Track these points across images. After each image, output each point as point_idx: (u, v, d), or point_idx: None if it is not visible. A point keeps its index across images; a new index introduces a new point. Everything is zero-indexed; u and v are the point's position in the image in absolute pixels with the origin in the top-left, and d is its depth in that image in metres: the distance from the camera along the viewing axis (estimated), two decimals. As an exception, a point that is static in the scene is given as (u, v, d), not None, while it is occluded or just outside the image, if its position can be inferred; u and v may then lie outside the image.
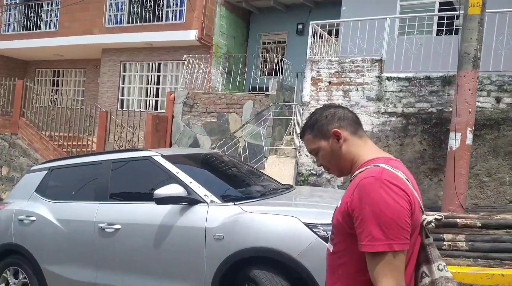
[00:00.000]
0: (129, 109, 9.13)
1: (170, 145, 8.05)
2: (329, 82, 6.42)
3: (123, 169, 3.63)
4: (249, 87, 9.83)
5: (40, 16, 11.47)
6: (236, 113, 7.62)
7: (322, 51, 7.17)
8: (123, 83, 10.72)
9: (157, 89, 10.43)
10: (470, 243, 4.25)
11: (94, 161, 3.77)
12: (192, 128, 8.00)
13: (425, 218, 1.18)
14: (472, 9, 4.61)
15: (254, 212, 2.94)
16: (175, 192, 3.03)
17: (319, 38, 6.95)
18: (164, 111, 9.87)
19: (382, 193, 1.07)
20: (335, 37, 7.93)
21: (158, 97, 10.40)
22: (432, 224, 1.17)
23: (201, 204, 3.06)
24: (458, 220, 4.39)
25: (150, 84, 10.47)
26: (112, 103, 10.47)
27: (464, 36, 4.71)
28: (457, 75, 4.84)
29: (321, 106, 1.54)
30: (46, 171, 3.97)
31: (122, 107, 10.48)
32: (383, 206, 1.06)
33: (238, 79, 9.06)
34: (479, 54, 4.67)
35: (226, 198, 3.13)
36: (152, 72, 10.44)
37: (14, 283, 3.70)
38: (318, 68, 6.51)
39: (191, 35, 9.27)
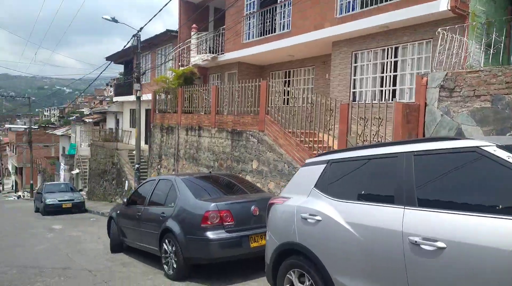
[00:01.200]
0: (368, 102, 8.32)
1: (423, 139, 6.76)
2: None
3: (433, 165, 2.68)
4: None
5: (275, 20, 12.24)
6: (524, 93, 5.60)
7: None
8: (354, 75, 10.09)
9: (394, 76, 9.27)
10: None
11: (385, 153, 2.99)
12: (453, 117, 6.44)
13: None
14: None
15: None
16: None
17: None
18: (407, 100, 8.66)
19: None
20: None
21: (395, 85, 9.23)
22: None
23: None
24: None
25: (386, 72, 9.41)
26: (344, 97, 9.98)
27: None
28: None
29: None
30: (325, 165, 3.49)
31: (354, 100, 9.86)
32: None
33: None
34: None
35: None
36: (387, 58, 9.36)
37: (300, 288, 3.36)
38: None
39: (441, 5, 7.65)
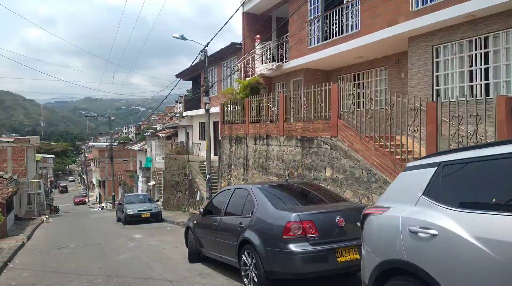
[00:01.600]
0: (462, 99, 7.45)
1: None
2: None
3: None
4: None
5: (342, 21, 11.73)
6: None
7: None
8: (437, 71, 9.18)
9: (486, 69, 8.23)
10: None
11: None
12: None
13: None
14: None
15: None
16: None
17: None
18: (504, 94, 7.61)
19: None
20: None
21: (488, 79, 8.18)
22: None
23: None
24: None
25: (475, 65, 8.40)
26: (425, 96, 9.10)
27: None
28: None
29: None
30: (435, 168, 2.98)
31: (437, 98, 8.93)
32: None
33: None
34: None
35: None
36: (475, 50, 8.36)
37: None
38: None
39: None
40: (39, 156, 36.33)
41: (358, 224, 4.95)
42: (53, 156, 65.21)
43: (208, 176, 15.59)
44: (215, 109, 18.18)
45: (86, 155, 70.79)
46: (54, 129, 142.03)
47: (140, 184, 34.37)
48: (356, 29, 11.14)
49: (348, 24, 11.56)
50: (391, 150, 7.58)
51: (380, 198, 3.57)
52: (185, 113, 28.05)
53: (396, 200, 3.21)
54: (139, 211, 17.76)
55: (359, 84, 12.93)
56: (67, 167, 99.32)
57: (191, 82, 28.23)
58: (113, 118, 42.13)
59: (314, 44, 13.07)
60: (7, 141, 24.98)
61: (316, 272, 4.68)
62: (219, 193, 7.29)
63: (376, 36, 10.13)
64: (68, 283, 6.55)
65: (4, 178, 19.88)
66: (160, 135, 33.58)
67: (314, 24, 13.13)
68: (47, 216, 24.52)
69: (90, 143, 74.68)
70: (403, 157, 7.38)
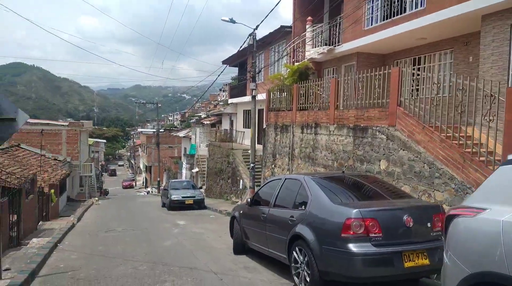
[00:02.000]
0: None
1: None
2: None
3: None
4: None
5: (405, -2, 10.74)
6: None
7: None
8: (515, 53, 8.05)
9: None
10: None
11: None
12: None
13: None
14: None
15: None
16: None
17: None
18: None
19: None
20: None
21: None
22: None
23: None
24: None
25: None
26: (499, 81, 8.03)
27: None
28: None
29: None
30: (551, 162, 2.33)
31: (515, 84, 7.86)
32: None
33: None
34: None
35: None
36: None
37: None
38: None
39: None
40: (91, 140, 38.22)
41: (429, 224, 4.38)
42: (104, 140, 68.67)
43: (252, 164, 15.30)
44: (261, 96, 17.76)
45: (134, 140, 73.79)
46: (106, 115, 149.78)
47: (184, 171, 35.11)
48: (421, 6, 10.12)
49: (412, 1, 10.55)
50: (460, 142, 6.72)
51: (470, 197, 2.95)
52: (230, 101, 27.95)
53: (494, 200, 2.59)
54: (183, 197, 17.94)
55: (419, 68, 11.87)
56: (117, 152, 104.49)
57: (237, 68, 28.02)
58: (160, 105, 43.24)
59: (371, 25, 12.14)
60: (62, 125, 26.35)
61: (378, 277, 4.13)
62: (267, 183, 6.88)
63: (445, 14, 9.08)
64: (114, 268, 6.51)
65: (58, 160, 20.96)
66: (205, 122, 33.90)
67: (372, 3, 12.18)
68: (96, 198, 25.71)
69: (138, 129, 77.83)
70: (474, 150, 6.51)
